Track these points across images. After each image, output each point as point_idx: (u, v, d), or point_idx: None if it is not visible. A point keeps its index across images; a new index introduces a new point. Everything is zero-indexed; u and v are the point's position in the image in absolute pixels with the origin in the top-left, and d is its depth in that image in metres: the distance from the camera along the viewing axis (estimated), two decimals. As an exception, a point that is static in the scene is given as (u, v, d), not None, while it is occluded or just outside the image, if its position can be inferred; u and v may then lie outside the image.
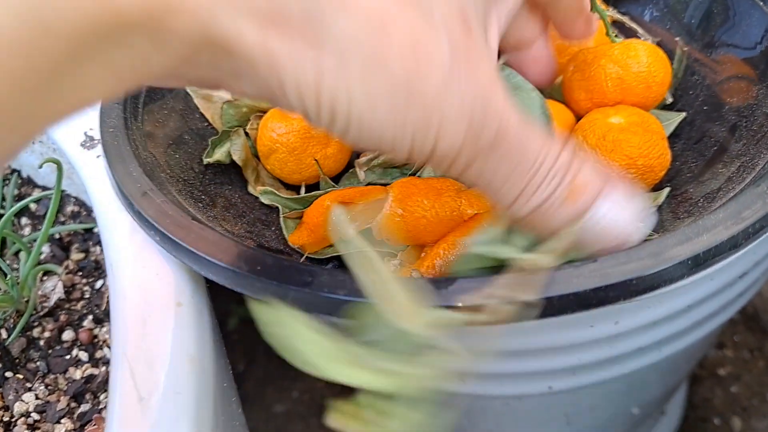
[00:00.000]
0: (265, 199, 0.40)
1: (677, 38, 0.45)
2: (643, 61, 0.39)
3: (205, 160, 0.40)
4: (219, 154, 0.41)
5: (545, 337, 0.44)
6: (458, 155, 0.23)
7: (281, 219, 0.39)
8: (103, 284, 0.47)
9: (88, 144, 0.38)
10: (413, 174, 0.41)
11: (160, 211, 0.31)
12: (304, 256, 0.37)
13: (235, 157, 0.41)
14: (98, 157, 0.37)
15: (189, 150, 0.41)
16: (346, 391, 0.86)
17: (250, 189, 0.42)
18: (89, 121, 0.40)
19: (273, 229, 0.40)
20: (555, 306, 0.26)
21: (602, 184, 0.24)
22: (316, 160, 0.40)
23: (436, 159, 0.23)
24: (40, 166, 0.37)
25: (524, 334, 0.44)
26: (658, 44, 0.46)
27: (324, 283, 0.27)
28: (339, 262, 0.38)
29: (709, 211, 0.28)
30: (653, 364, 0.51)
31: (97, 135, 0.39)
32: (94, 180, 0.36)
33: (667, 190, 0.37)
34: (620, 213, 0.24)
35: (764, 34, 0.37)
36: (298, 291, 0.27)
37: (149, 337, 0.28)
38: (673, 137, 0.42)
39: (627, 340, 0.46)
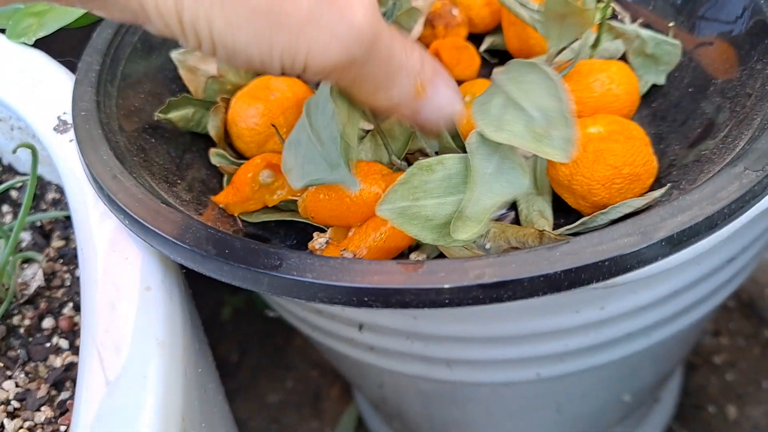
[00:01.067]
0: (214, 161, 0.41)
1: (665, 18, 0.44)
2: (633, 77, 0.39)
3: (156, 116, 0.40)
4: (174, 115, 0.41)
5: (531, 322, 0.44)
6: (331, 72, 0.25)
7: (224, 181, 0.40)
8: (83, 272, 0.46)
9: (61, 128, 0.38)
10: None
11: (129, 195, 0.30)
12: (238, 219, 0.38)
13: (212, 133, 0.41)
14: (71, 141, 0.37)
15: (165, 135, 0.41)
16: (340, 381, 0.85)
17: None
18: (63, 105, 0.39)
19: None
20: (526, 288, 0.25)
21: (435, 71, 0.28)
22: (273, 125, 0.39)
23: (310, 75, 0.25)
24: (14, 151, 0.37)
25: (509, 319, 0.43)
26: (644, 24, 0.45)
27: (293, 267, 0.26)
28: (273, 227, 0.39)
29: (686, 192, 0.28)
30: (643, 350, 0.51)
31: (70, 119, 0.38)
32: (67, 164, 0.36)
33: (667, 186, 0.36)
34: (447, 90, 0.29)
35: (744, 10, 0.37)
36: (266, 275, 0.27)
37: (117, 322, 0.27)
38: (658, 119, 0.42)
39: (614, 326, 0.45)
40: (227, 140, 0.43)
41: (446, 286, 0.25)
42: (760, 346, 0.91)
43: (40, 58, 0.44)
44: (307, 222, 0.38)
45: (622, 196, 0.37)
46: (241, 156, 0.42)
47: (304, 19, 0.23)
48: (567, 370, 0.51)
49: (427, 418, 0.71)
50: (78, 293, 0.45)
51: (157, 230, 0.28)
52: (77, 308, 0.44)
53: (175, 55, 0.42)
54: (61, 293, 0.46)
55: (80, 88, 0.37)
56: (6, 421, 0.41)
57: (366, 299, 0.26)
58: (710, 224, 0.26)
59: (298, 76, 0.27)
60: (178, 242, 0.28)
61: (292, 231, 0.39)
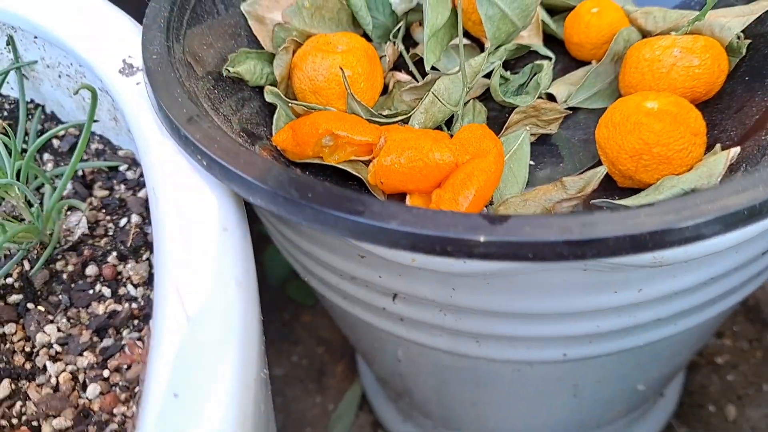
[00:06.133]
0: (268, 97, 0.41)
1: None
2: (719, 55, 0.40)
3: (225, 70, 0.41)
4: (241, 69, 0.42)
5: (569, 300, 0.44)
6: None
7: (275, 117, 0.41)
8: (127, 222, 0.46)
9: (126, 71, 0.37)
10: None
11: (207, 136, 0.30)
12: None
13: (277, 72, 0.42)
14: (138, 84, 0.37)
15: (226, 87, 0.41)
16: (345, 359, 0.86)
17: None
18: (127, 48, 0.39)
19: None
20: (611, 247, 0.26)
21: None
22: (341, 68, 0.40)
23: None
24: (76, 92, 0.37)
25: (549, 295, 0.44)
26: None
27: (376, 213, 0.27)
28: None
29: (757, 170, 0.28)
30: (667, 337, 0.51)
31: (136, 63, 0.38)
32: (134, 107, 0.36)
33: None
34: None
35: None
36: (349, 220, 0.27)
37: (196, 259, 0.28)
38: (711, 106, 0.42)
39: (647, 310, 0.46)
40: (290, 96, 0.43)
41: (532, 240, 0.25)
42: (762, 349, 0.93)
43: (98, 1, 0.44)
44: (347, 171, 0.39)
45: (649, 175, 0.37)
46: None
47: None
48: (593, 353, 0.52)
49: (439, 396, 0.72)
50: (123, 242, 0.45)
51: (238, 172, 0.29)
52: (121, 257, 0.45)
53: (244, 7, 0.43)
54: (105, 242, 0.46)
55: (149, 33, 0.37)
56: (48, 364, 0.41)
57: (449, 249, 0.26)
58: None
59: None
60: (261, 185, 0.28)
61: (332, 176, 0.40)
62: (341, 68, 0.41)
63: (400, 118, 0.41)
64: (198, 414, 0.23)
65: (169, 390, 0.24)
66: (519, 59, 0.48)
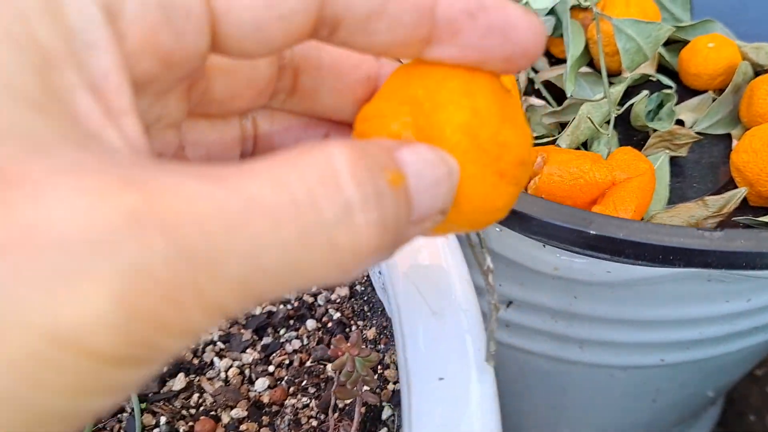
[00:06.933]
0: None
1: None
2: None
3: None
4: None
5: (681, 309, 0.48)
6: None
7: None
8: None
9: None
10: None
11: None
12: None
13: None
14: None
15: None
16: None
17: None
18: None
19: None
20: None
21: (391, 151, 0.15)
22: None
23: None
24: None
25: (666, 304, 0.47)
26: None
27: (603, 225, 0.30)
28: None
29: None
30: (755, 345, 0.55)
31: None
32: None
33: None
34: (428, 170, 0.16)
35: None
36: (579, 231, 0.31)
37: (427, 262, 0.31)
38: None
39: (749, 318, 0.50)
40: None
41: (745, 251, 0.29)
42: (799, 362, 0.97)
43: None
44: None
45: None
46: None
47: None
48: (688, 358, 0.55)
49: (515, 400, 0.74)
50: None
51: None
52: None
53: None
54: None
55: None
56: (216, 360, 0.44)
57: (671, 258, 0.30)
58: None
59: None
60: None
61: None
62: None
63: (547, 139, 0.45)
64: (465, 393, 0.27)
65: (434, 374, 0.27)
66: (636, 86, 0.52)
